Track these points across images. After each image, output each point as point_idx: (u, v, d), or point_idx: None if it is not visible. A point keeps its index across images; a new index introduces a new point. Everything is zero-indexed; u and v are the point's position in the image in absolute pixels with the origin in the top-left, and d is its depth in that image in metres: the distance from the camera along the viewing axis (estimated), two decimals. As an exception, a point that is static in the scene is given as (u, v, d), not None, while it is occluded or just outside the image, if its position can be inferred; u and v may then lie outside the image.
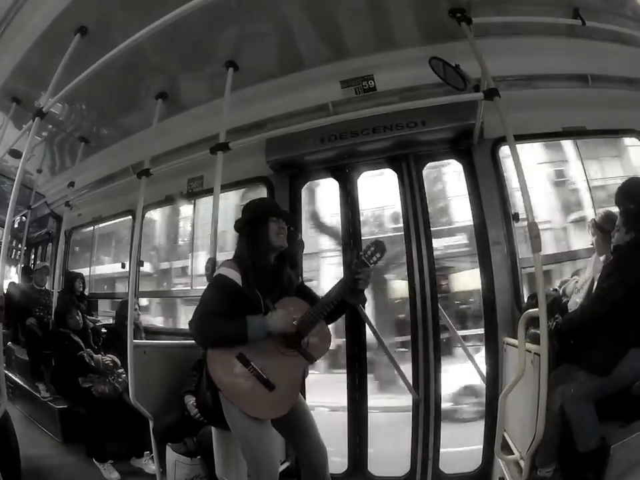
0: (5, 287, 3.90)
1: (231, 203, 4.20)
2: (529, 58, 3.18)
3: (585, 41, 3.11)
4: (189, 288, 4.39)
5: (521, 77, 3.26)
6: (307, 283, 2.47)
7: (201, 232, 4.40)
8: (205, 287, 2.26)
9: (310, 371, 2.54)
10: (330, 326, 2.24)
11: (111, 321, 4.55)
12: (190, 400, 3.02)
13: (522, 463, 2.37)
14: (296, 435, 2.22)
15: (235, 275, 2.09)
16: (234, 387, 2.04)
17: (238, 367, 2.04)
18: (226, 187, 3.13)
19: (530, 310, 2.39)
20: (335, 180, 3.61)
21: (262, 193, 3.81)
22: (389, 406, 3.90)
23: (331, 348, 2.28)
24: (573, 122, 3.35)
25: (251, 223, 2.21)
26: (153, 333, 4.32)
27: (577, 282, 2.90)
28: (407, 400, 3.35)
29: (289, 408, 2.08)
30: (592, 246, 2.84)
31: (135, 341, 3.13)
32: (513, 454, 2.55)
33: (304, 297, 2.21)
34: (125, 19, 2.92)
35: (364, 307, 3.29)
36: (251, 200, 2.35)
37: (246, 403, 2.03)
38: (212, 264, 2.81)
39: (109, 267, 5.49)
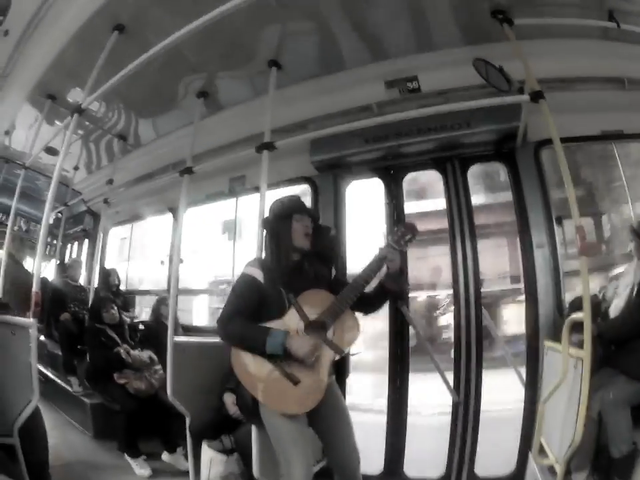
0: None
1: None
2: (565, 60, 3.15)
3: (620, 43, 3.08)
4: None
5: (558, 79, 3.20)
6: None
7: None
8: None
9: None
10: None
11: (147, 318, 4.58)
12: (229, 398, 3.02)
13: (557, 467, 2.32)
14: (330, 434, 2.19)
15: (257, 273, 2.12)
16: (258, 382, 2.04)
17: (261, 363, 2.03)
18: (269, 187, 3.12)
19: (575, 314, 2.35)
20: (380, 180, 3.60)
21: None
22: (428, 408, 3.89)
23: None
24: (611, 125, 3.30)
25: (275, 221, 2.22)
26: (191, 330, 4.35)
27: (617, 287, 2.87)
28: (446, 402, 3.34)
29: (315, 402, 2.05)
30: (631, 251, 2.81)
31: (175, 338, 3.15)
32: (548, 458, 2.51)
33: (337, 290, 2.15)
34: (163, 17, 2.92)
35: (407, 299, 3.28)
36: (277, 198, 2.34)
37: (271, 399, 2.03)
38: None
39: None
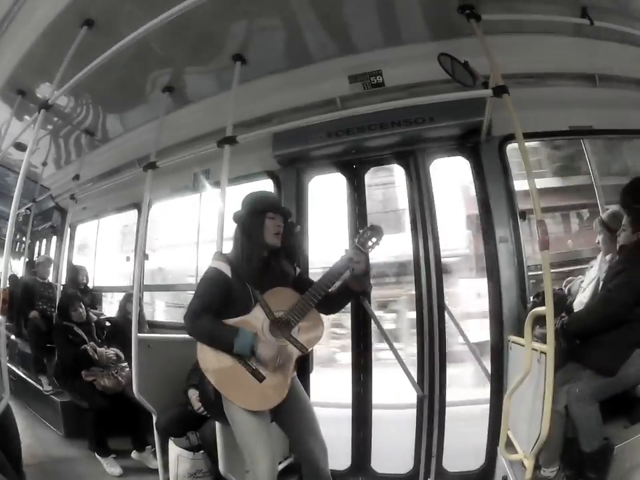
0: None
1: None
2: (536, 56, 3.15)
3: (592, 40, 3.09)
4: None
5: (528, 74, 3.23)
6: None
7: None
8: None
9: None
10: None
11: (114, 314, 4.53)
12: (193, 394, 3.01)
13: (526, 462, 2.33)
14: (296, 430, 2.20)
15: (224, 268, 2.11)
16: (224, 378, 2.05)
17: (227, 359, 2.04)
18: (232, 181, 3.10)
19: (537, 308, 2.36)
20: (342, 175, 3.59)
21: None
22: (394, 403, 3.88)
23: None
24: (580, 121, 3.32)
25: (247, 217, 2.19)
26: (156, 326, 4.32)
27: (582, 281, 2.90)
28: (411, 397, 3.34)
29: (280, 399, 2.06)
30: (598, 245, 2.83)
31: (139, 334, 3.12)
32: (517, 453, 2.52)
33: (301, 288, 2.16)
34: (132, 11, 2.88)
35: (369, 296, 3.28)
36: (250, 192, 2.30)
37: (236, 395, 2.03)
38: None
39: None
